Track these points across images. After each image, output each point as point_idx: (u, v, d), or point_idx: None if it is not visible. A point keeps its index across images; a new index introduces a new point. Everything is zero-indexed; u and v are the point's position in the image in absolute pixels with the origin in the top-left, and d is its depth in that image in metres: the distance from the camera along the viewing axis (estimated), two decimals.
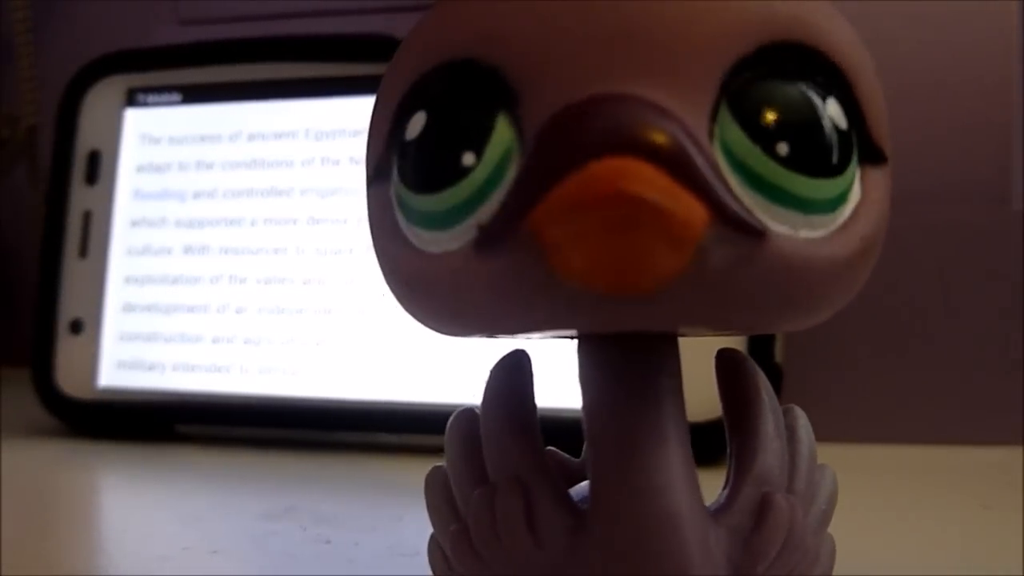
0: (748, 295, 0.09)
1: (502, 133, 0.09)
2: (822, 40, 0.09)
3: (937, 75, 0.29)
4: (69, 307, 0.30)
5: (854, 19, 0.10)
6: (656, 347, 0.11)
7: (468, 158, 0.09)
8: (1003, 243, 0.29)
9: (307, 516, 0.20)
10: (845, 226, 0.10)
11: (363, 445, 0.27)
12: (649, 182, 0.08)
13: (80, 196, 0.31)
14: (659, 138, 0.08)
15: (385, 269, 0.11)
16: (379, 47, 0.29)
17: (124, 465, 0.27)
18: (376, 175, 0.11)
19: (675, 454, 0.10)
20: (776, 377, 0.25)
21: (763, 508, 0.11)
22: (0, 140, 0.42)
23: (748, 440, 0.11)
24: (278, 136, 0.30)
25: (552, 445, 0.13)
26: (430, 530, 0.13)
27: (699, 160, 0.09)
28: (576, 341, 0.11)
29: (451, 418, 0.12)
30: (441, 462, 0.12)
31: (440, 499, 0.12)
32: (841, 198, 0.10)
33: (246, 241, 0.29)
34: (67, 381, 0.30)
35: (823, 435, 0.12)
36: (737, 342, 0.23)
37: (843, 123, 0.10)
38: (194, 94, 0.31)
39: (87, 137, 0.31)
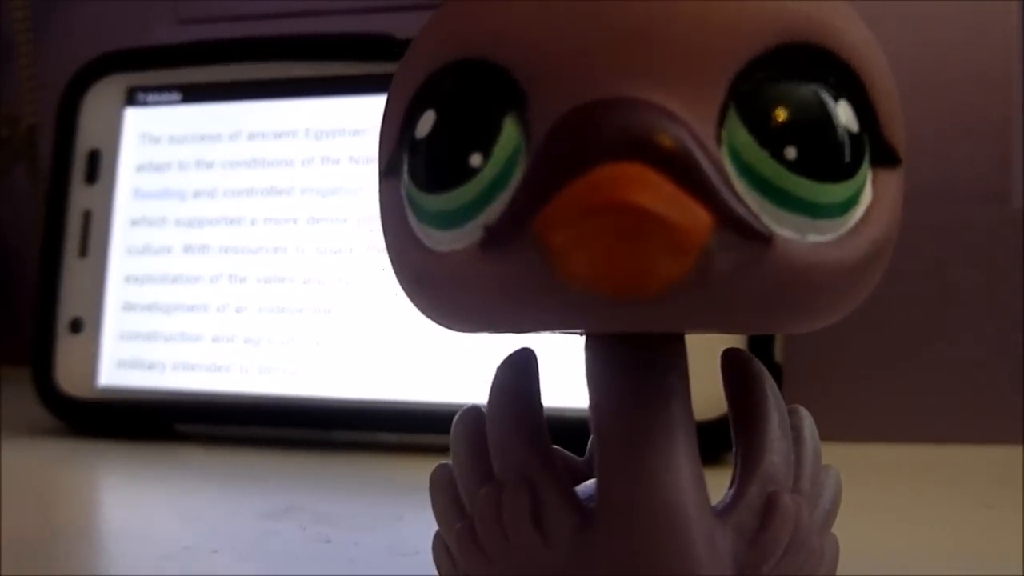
0: (753, 299, 0.09)
1: (510, 134, 0.09)
2: (835, 41, 0.09)
3: (937, 75, 0.29)
4: (69, 306, 0.30)
5: None
6: (663, 346, 0.11)
7: (476, 159, 0.09)
8: (1003, 243, 0.29)
9: (307, 516, 0.20)
10: (855, 230, 0.10)
11: (363, 445, 0.27)
12: (652, 190, 0.08)
13: (80, 195, 0.31)
14: (664, 143, 0.08)
15: (395, 265, 0.11)
16: (379, 47, 0.29)
17: (124, 465, 0.27)
18: (387, 171, 0.11)
19: (682, 453, 0.10)
20: (776, 377, 0.25)
21: (769, 507, 0.11)
22: (0, 140, 0.42)
23: (754, 440, 0.11)
24: (278, 136, 0.30)
25: (556, 444, 0.13)
26: (430, 529, 0.13)
27: (705, 165, 0.09)
28: (584, 339, 0.11)
29: (457, 416, 0.12)
30: (443, 460, 0.12)
31: (445, 497, 0.12)
32: (851, 202, 0.10)
33: (246, 241, 0.29)
34: (67, 380, 0.30)
35: (823, 434, 0.12)
36: (736, 341, 0.23)
37: (855, 126, 0.09)
38: (194, 93, 0.31)
39: (87, 136, 0.31)
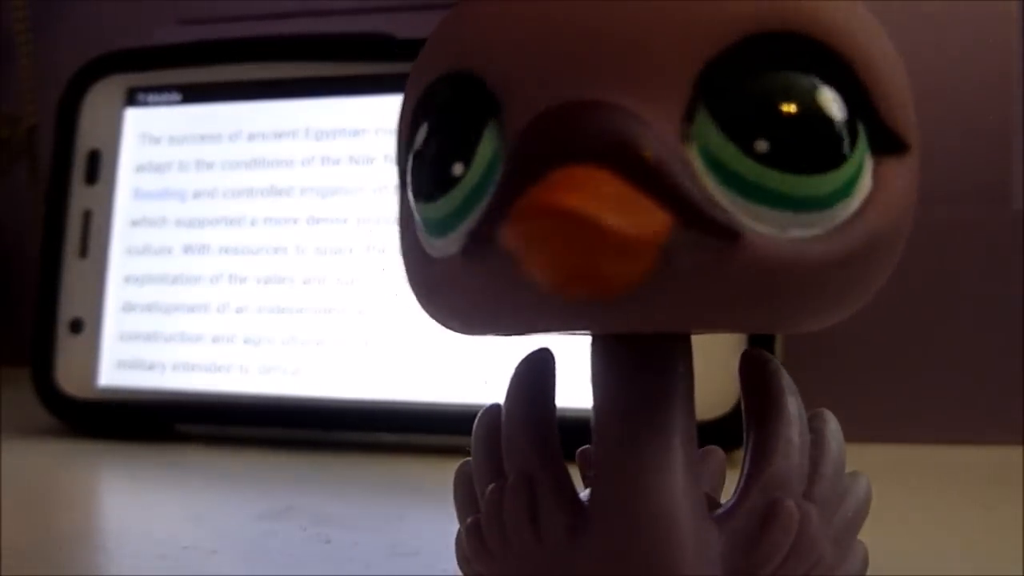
0: (723, 297, 0.09)
1: (488, 143, 0.09)
2: (817, 26, 0.09)
3: (937, 75, 0.29)
4: (69, 307, 0.30)
5: None
6: (666, 347, 0.11)
7: (458, 168, 0.10)
8: (1003, 243, 0.29)
9: (307, 516, 0.20)
10: (849, 222, 0.09)
11: (363, 445, 0.27)
12: (596, 192, 0.08)
13: (80, 196, 0.31)
14: (617, 143, 0.08)
15: (406, 273, 0.11)
16: (379, 47, 0.29)
17: (124, 465, 0.27)
18: (401, 184, 0.11)
19: (676, 456, 0.10)
20: None
21: (769, 513, 0.11)
22: (0, 140, 0.42)
23: (764, 443, 0.11)
24: (278, 136, 0.30)
25: (584, 444, 0.13)
26: (430, 529, 0.13)
27: (662, 164, 0.08)
28: (589, 339, 0.11)
29: (479, 414, 0.12)
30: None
31: (464, 494, 0.12)
32: (840, 193, 0.09)
33: (246, 241, 0.29)
34: (67, 381, 0.30)
35: None
36: (736, 340, 0.23)
37: (841, 113, 0.09)
38: (194, 94, 0.31)
39: (87, 137, 0.31)
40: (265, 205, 0.29)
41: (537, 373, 0.12)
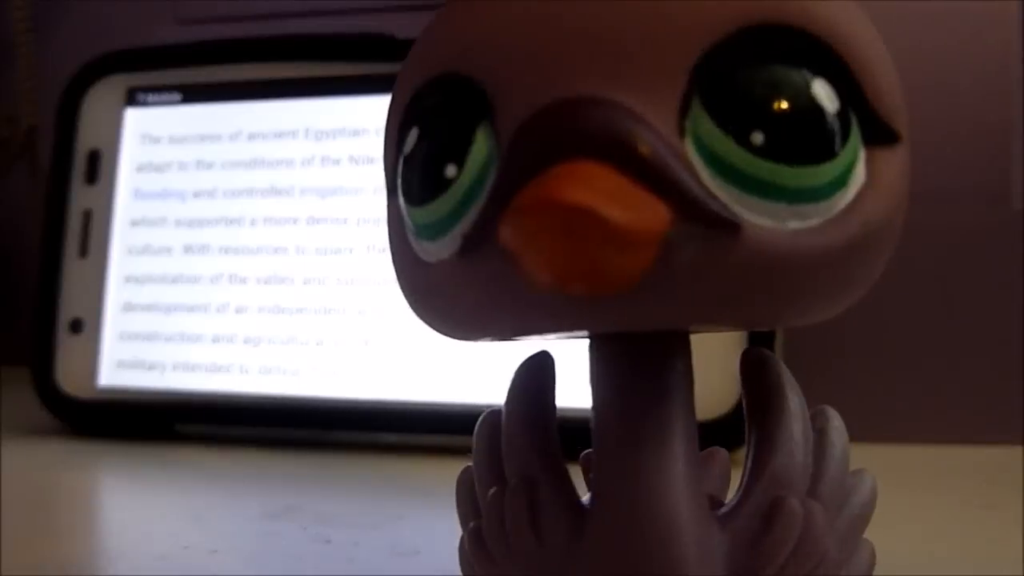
0: (725, 291, 0.09)
1: (481, 144, 0.09)
2: (805, 18, 0.09)
3: (937, 75, 0.29)
4: (69, 307, 0.30)
5: None
6: (665, 346, 0.11)
7: (451, 170, 0.10)
8: (1003, 243, 0.29)
9: (307, 516, 0.20)
10: (845, 213, 0.09)
11: (363, 445, 0.27)
12: (596, 186, 0.08)
13: (80, 196, 0.31)
14: (615, 138, 0.08)
15: (398, 279, 0.11)
16: (379, 47, 0.29)
17: (124, 465, 0.27)
18: (390, 190, 0.11)
19: (677, 456, 0.10)
20: None
21: (773, 511, 0.11)
22: (0, 140, 0.42)
23: (765, 442, 0.11)
24: (278, 136, 0.30)
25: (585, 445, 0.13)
26: (430, 529, 0.13)
27: (659, 157, 0.08)
28: (588, 340, 0.11)
29: (479, 419, 0.12)
30: (445, 460, 0.12)
31: (466, 498, 0.12)
32: (836, 184, 0.09)
33: (246, 241, 0.29)
34: (67, 381, 0.30)
35: None
36: (736, 340, 0.23)
37: (833, 104, 0.09)
38: (194, 94, 0.31)
39: (87, 137, 0.31)
40: (265, 205, 0.29)
41: (537, 376, 0.12)
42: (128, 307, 0.30)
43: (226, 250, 0.29)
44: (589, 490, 0.11)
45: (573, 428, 0.12)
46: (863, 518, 0.12)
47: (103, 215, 0.31)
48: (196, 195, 0.30)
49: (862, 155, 0.09)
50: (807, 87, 0.09)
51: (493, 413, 0.12)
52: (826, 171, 0.09)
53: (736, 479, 0.12)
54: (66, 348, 0.30)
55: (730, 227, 0.09)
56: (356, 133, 0.29)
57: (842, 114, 0.09)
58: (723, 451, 0.15)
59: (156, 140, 0.31)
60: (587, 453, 0.14)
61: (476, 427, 0.12)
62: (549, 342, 0.11)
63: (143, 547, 0.18)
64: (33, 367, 0.30)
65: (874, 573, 0.12)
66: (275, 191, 0.29)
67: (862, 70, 0.09)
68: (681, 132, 0.09)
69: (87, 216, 0.31)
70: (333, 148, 0.29)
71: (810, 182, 0.09)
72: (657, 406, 0.10)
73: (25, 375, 0.30)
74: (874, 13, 0.10)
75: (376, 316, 0.28)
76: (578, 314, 0.09)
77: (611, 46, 0.09)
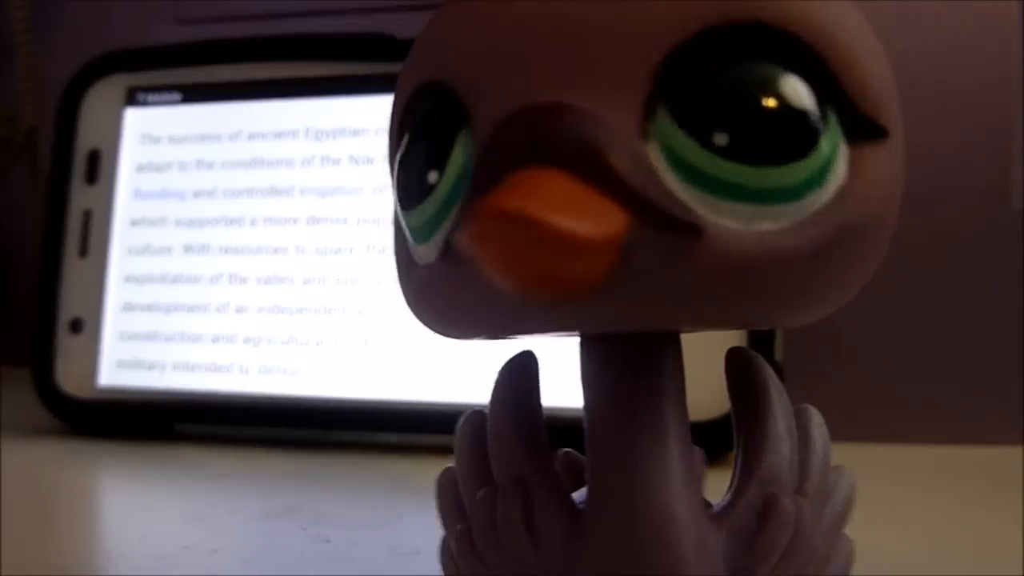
0: (689, 293, 0.09)
1: (459, 151, 0.10)
2: (774, 14, 0.09)
3: (937, 75, 0.29)
4: (69, 306, 0.30)
5: None
6: (654, 345, 0.11)
7: (433, 176, 0.10)
8: (1003, 243, 0.29)
9: (307, 516, 0.20)
10: (821, 213, 0.09)
11: (363, 445, 0.27)
12: (545, 194, 0.08)
13: (80, 195, 0.31)
14: (572, 145, 0.08)
15: (399, 282, 0.11)
16: (379, 47, 0.29)
17: (124, 464, 0.27)
18: (393, 191, 0.11)
19: (672, 454, 0.10)
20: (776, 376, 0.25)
21: (766, 509, 0.11)
22: (0, 140, 0.42)
23: (754, 440, 0.11)
24: (278, 136, 0.30)
25: (569, 446, 0.13)
26: (430, 529, 0.13)
27: (616, 162, 0.08)
28: (579, 340, 0.11)
29: (461, 419, 0.12)
30: (446, 461, 0.12)
31: (448, 500, 0.12)
32: (809, 184, 0.09)
33: (246, 241, 0.29)
34: (67, 380, 0.30)
35: None
36: (737, 339, 0.23)
37: (804, 101, 0.09)
38: (194, 93, 0.31)
39: (87, 137, 0.31)
40: (265, 205, 0.29)
41: (520, 376, 0.12)
42: (128, 307, 0.30)
43: (226, 250, 0.29)
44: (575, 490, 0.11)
45: (558, 428, 0.12)
46: (844, 514, 0.12)
47: (103, 215, 0.31)
48: (196, 195, 0.30)
49: (843, 152, 0.09)
50: (773, 84, 0.09)
51: (476, 413, 0.12)
52: (795, 171, 0.09)
53: (721, 478, 0.12)
54: (66, 348, 0.30)
55: (691, 230, 0.09)
56: (356, 133, 0.29)
57: (817, 110, 0.09)
58: (698, 450, 0.15)
59: (156, 140, 0.31)
60: (566, 453, 0.14)
61: (458, 427, 0.12)
62: (538, 341, 0.11)
63: (143, 547, 0.18)
64: (33, 367, 0.30)
65: (875, 573, 0.12)
66: (275, 191, 0.29)
67: (840, 63, 0.09)
68: (644, 135, 0.09)
69: (87, 216, 0.31)
70: (333, 148, 0.29)
71: (778, 182, 0.09)
72: (649, 405, 0.10)
73: (25, 375, 0.30)
74: (874, 13, 0.10)
75: (376, 316, 0.28)
76: (550, 317, 0.09)
77: (577, 50, 0.09)
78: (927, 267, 0.29)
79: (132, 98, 0.31)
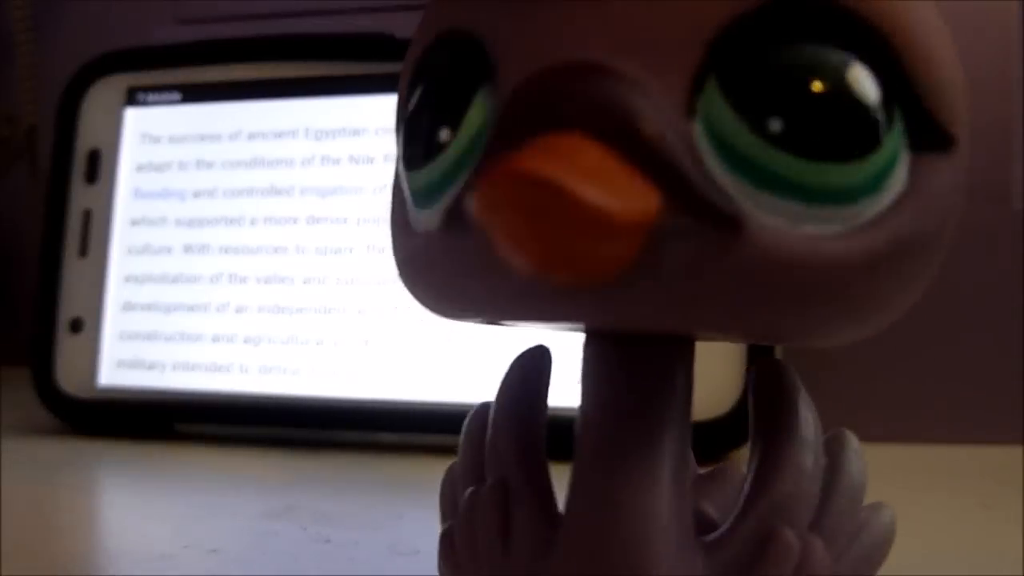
0: (720, 296, 0.08)
1: (478, 108, 0.09)
2: None
3: None
4: (69, 306, 0.30)
5: None
6: (665, 351, 0.10)
7: (444, 133, 0.09)
8: (1003, 243, 0.29)
9: (307, 515, 0.20)
10: (875, 222, 0.08)
11: (363, 445, 0.27)
12: (577, 163, 0.07)
13: (80, 195, 0.31)
14: (608, 110, 0.07)
15: (392, 246, 0.10)
16: (379, 47, 0.29)
17: (124, 464, 0.27)
18: (398, 151, 0.10)
19: (661, 473, 0.09)
20: None
21: (766, 543, 0.10)
22: (0, 140, 0.42)
23: (769, 466, 0.10)
24: (278, 135, 0.30)
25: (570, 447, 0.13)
26: (430, 529, 0.13)
27: (658, 137, 0.07)
28: (583, 337, 0.10)
29: (470, 412, 0.12)
30: (447, 461, 0.12)
31: (446, 497, 0.12)
32: (866, 188, 0.08)
33: (246, 240, 0.29)
34: (67, 380, 0.30)
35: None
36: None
37: (871, 96, 0.08)
38: (194, 93, 0.31)
39: (87, 136, 0.31)
40: (265, 205, 0.29)
41: (529, 373, 0.11)
42: (128, 307, 0.30)
43: (226, 250, 0.29)
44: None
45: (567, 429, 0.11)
46: (875, 557, 0.11)
47: (103, 215, 0.31)
48: (196, 195, 0.30)
49: (905, 159, 0.08)
50: (839, 72, 0.08)
51: (483, 407, 0.11)
52: (854, 171, 0.08)
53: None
54: (66, 348, 0.30)
55: (731, 223, 0.08)
56: (356, 133, 0.29)
57: (883, 107, 0.08)
58: (737, 467, 0.14)
59: (156, 140, 0.31)
60: None
61: (466, 421, 0.12)
62: (542, 332, 0.11)
63: (143, 547, 0.18)
64: (33, 367, 0.30)
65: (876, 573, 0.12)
66: (275, 191, 0.29)
67: (912, 57, 0.08)
68: (690, 111, 0.08)
69: (87, 216, 0.31)
70: (333, 148, 0.29)
71: (833, 182, 0.08)
72: (646, 418, 0.09)
73: (25, 375, 0.30)
74: None
75: (376, 316, 0.28)
76: (554, 305, 0.08)
77: (625, 8, 0.08)
78: None
79: (132, 98, 0.31)
